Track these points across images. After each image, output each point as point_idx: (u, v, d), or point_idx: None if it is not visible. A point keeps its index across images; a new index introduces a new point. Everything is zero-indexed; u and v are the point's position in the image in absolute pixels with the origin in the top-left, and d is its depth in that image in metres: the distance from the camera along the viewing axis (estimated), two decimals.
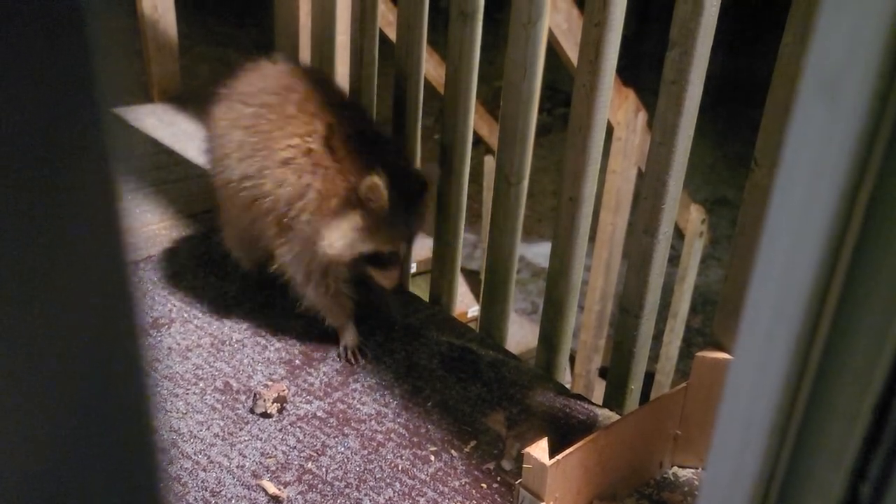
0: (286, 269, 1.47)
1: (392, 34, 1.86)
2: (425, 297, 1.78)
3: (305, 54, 1.91)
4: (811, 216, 0.30)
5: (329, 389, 1.43)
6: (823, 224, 0.29)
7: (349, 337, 1.53)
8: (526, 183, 1.51)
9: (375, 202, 1.33)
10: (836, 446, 0.29)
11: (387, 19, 2.18)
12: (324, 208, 1.36)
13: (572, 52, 2.15)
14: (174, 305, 1.62)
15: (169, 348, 1.50)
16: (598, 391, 2.50)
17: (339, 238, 1.35)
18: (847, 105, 0.27)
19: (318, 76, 1.60)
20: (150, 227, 1.91)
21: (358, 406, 1.40)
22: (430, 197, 1.52)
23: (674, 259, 3.16)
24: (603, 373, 2.45)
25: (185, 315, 1.60)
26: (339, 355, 1.52)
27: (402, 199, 1.36)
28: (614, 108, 2.30)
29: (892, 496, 0.28)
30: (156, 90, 2.61)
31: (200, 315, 1.60)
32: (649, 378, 2.90)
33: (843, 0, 0.29)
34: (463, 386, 1.46)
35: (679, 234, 2.73)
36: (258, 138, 1.40)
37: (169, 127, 2.48)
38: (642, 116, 2.30)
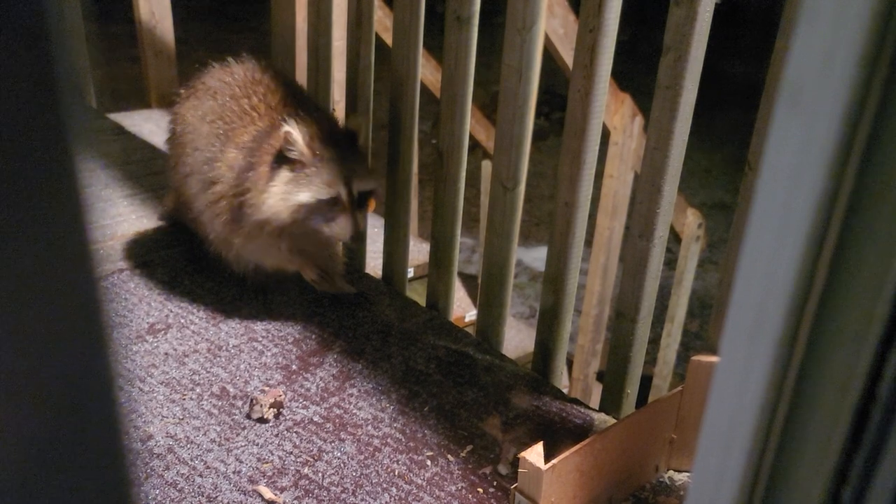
0: (246, 253, 1.55)
1: (388, 39, 1.86)
2: (422, 301, 1.78)
3: (302, 59, 1.91)
4: (791, 221, 0.30)
5: (325, 394, 1.43)
6: (803, 229, 0.30)
7: (311, 272, 1.64)
8: (522, 188, 1.51)
9: (296, 150, 1.40)
10: (818, 449, 0.29)
11: (383, 24, 2.19)
12: (259, 179, 1.44)
13: (569, 57, 2.16)
14: (171, 311, 1.62)
15: (166, 354, 1.50)
16: (596, 395, 2.50)
17: (273, 196, 1.41)
18: (823, 113, 0.27)
19: (277, 72, 1.67)
20: (147, 232, 1.91)
21: (354, 411, 1.40)
22: (365, 145, 1.60)
23: (671, 263, 3.16)
24: (601, 377, 2.45)
25: (182, 321, 1.60)
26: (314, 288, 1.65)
27: (332, 147, 1.43)
28: (611, 112, 2.30)
29: (872, 499, 0.28)
30: (153, 95, 2.62)
31: (197, 321, 1.60)
32: (647, 382, 2.90)
33: (819, 12, 0.30)
34: (459, 390, 1.46)
35: (676, 238, 2.73)
36: (221, 128, 1.50)
37: (165, 132, 2.49)
38: (639, 121, 2.31)
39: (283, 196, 1.41)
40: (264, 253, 1.55)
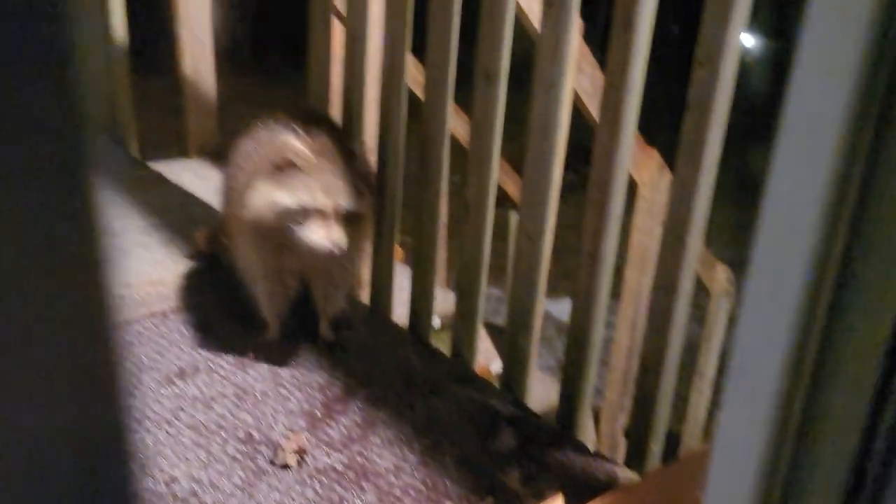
0: (236, 256, 1.63)
1: (420, 93, 1.92)
2: (447, 350, 1.79)
3: (336, 112, 1.98)
4: (793, 258, 0.32)
5: (348, 442, 1.43)
6: (805, 261, 0.31)
7: (268, 335, 1.69)
8: (548, 240, 1.53)
9: (293, 156, 1.44)
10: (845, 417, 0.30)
11: (415, 79, 2.26)
12: (251, 179, 1.49)
13: (598, 113, 2.19)
14: (200, 355, 1.65)
15: (193, 397, 1.52)
16: (624, 451, 2.45)
17: (260, 196, 1.45)
18: (822, 154, 0.29)
19: (313, 110, 1.81)
20: (182, 278, 1.96)
21: (376, 459, 1.40)
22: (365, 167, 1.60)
23: (700, 319, 3.13)
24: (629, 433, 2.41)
25: (211, 364, 1.63)
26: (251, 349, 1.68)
27: (329, 161, 1.46)
28: (638, 167, 2.32)
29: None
30: (192, 146, 2.71)
31: (226, 365, 1.63)
32: (677, 440, 2.84)
33: (818, 62, 0.32)
34: (482, 442, 1.46)
35: (705, 292, 2.70)
36: (256, 149, 1.57)
37: (203, 181, 2.57)
38: (666, 175, 2.32)
39: (268, 196, 1.45)
40: (251, 257, 1.61)
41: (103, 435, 0.25)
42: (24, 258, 0.22)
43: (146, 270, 1.99)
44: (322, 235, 1.43)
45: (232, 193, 1.61)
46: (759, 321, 0.33)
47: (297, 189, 1.43)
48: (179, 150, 2.89)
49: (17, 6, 0.21)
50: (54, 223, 0.22)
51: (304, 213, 1.43)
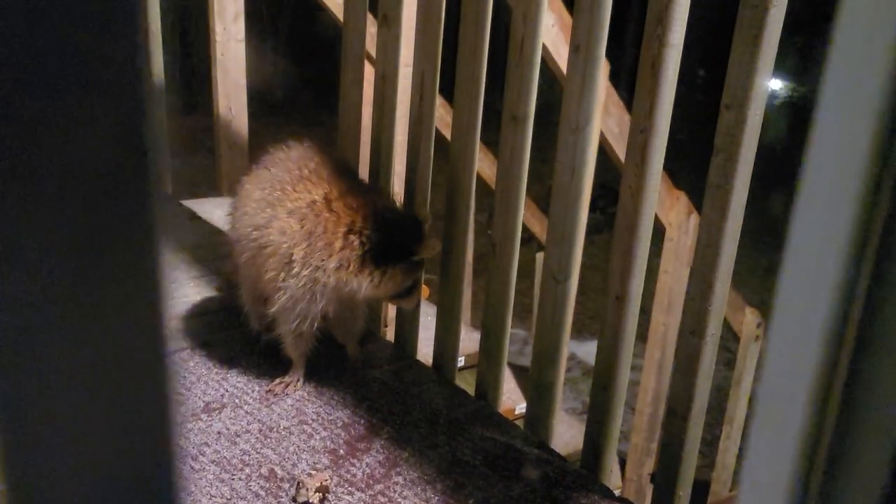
0: (279, 307, 1.61)
1: (447, 133, 1.95)
2: (471, 391, 1.78)
3: (365, 153, 2.01)
4: (812, 321, 0.32)
5: (371, 481, 1.43)
6: (824, 325, 0.31)
7: (294, 374, 1.70)
8: (573, 281, 1.53)
9: (430, 251, 1.60)
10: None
11: (444, 121, 2.29)
12: (348, 259, 1.53)
13: (624, 155, 2.20)
14: (226, 391, 1.67)
15: (218, 433, 1.53)
16: (650, 497, 2.40)
17: (378, 285, 1.56)
18: (845, 197, 0.29)
19: (331, 152, 1.81)
20: (209, 313, 1.99)
21: (399, 500, 1.39)
22: (430, 232, 1.70)
23: (730, 362, 3.08)
24: (655, 478, 2.36)
25: (237, 400, 1.64)
26: (276, 385, 1.69)
27: (409, 237, 1.59)
28: (665, 209, 2.32)
29: None
30: (225, 184, 2.76)
31: (251, 401, 1.64)
32: (706, 487, 2.78)
33: (834, 126, 0.32)
34: (506, 484, 1.44)
35: (735, 337, 2.67)
36: (272, 194, 1.59)
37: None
38: (694, 218, 2.31)
39: (390, 287, 1.57)
40: (297, 307, 1.61)
41: (152, 462, 0.27)
42: (96, 276, 0.24)
43: (174, 306, 2.02)
44: (416, 299, 1.68)
45: (282, 252, 1.56)
46: (784, 359, 0.33)
47: (417, 268, 1.61)
48: (211, 188, 2.95)
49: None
50: (125, 246, 0.24)
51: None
